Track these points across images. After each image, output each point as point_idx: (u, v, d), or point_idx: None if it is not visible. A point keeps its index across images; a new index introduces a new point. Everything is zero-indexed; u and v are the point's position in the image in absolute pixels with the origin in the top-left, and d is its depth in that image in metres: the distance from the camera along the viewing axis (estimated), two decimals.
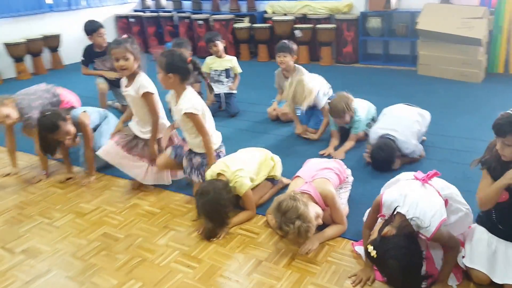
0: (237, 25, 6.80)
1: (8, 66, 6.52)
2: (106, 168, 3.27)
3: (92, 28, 4.29)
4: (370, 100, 3.65)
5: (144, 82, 2.81)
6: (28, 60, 6.66)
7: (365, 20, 5.97)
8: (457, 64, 5.05)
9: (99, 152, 2.97)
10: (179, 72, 2.60)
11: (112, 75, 4.30)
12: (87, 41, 4.44)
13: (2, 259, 2.36)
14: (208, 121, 2.75)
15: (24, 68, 6.54)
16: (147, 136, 2.94)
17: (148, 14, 7.79)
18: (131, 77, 2.84)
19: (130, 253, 2.34)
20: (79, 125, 3.10)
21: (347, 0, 6.25)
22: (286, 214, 2.08)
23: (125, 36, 2.86)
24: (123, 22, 7.92)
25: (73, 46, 6.56)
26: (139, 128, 2.95)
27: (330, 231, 2.32)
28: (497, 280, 1.85)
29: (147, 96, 2.81)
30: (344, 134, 3.49)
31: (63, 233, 2.57)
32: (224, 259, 2.24)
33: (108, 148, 2.95)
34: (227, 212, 2.40)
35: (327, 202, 2.30)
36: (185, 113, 2.61)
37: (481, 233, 1.94)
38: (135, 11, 8.16)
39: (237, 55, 6.70)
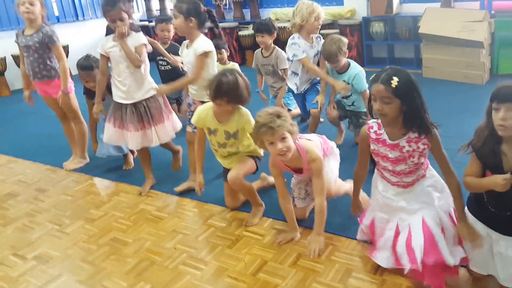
0: (241, 33, 6.88)
1: (16, 77, 6.57)
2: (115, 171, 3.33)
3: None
4: None
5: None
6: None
7: (368, 25, 6.02)
8: (461, 66, 5.07)
9: (105, 139, 3.07)
10: (199, 17, 2.69)
11: None
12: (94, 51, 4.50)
13: (14, 265, 2.43)
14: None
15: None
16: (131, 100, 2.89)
17: (153, 23, 7.88)
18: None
19: (139, 257, 2.39)
20: None
21: (349, 5, 6.31)
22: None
23: None
24: None
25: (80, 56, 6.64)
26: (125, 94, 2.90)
27: (318, 217, 2.27)
28: (506, 283, 1.81)
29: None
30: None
31: (73, 239, 2.63)
32: (231, 260, 2.28)
33: (131, 139, 2.95)
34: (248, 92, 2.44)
35: (312, 166, 2.26)
36: (204, 52, 2.66)
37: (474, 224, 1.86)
38: (141, 20, 8.28)
39: (243, 62, 6.81)
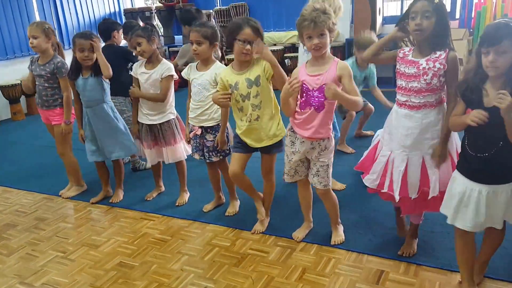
0: (229, 56, 7.01)
1: (2, 108, 6.64)
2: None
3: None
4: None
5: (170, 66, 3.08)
6: (22, 101, 6.80)
7: (351, 46, 6.22)
8: None
9: (150, 163, 3.36)
10: (221, 42, 2.79)
11: None
12: None
13: None
14: None
15: (20, 109, 6.67)
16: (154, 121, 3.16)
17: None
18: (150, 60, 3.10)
19: (147, 279, 2.44)
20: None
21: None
22: None
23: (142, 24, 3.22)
24: None
25: None
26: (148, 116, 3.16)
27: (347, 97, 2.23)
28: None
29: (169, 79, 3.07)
30: None
31: (79, 265, 2.66)
32: (238, 277, 2.35)
33: (147, 155, 3.28)
34: None
35: (342, 72, 2.26)
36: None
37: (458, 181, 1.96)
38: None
39: None
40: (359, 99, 2.23)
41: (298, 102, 2.35)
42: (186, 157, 3.27)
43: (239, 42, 2.41)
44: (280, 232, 2.74)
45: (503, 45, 1.69)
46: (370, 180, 2.29)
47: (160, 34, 3.18)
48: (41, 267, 2.69)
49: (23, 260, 2.79)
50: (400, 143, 2.18)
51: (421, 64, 2.09)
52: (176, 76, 3.12)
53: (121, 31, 4.00)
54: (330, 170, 2.45)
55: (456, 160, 2.10)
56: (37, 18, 7.21)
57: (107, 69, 3.12)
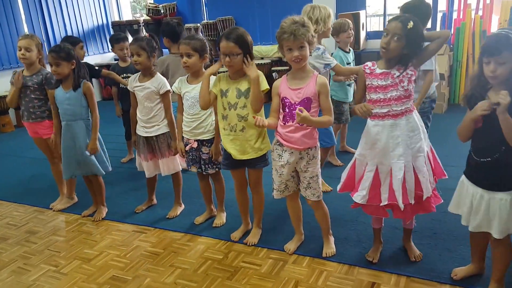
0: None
1: None
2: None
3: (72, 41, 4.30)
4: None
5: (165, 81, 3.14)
6: (11, 112, 6.77)
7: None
8: None
9: (148, 175, 3.33)
10: (210, 53, 2.84)
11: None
12: None
13: None
14: None
15: (9, 121, 6.64)
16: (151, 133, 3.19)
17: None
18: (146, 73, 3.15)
19: None
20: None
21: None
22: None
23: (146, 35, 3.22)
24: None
25: None
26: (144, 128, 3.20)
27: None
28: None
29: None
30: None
31: (72, 279, 2.67)
32: None
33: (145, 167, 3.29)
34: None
35: (320, 88, 2.33)
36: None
37: (464, 185, 2.11)
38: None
39: None
40: (330, 118, 2.34)
41: (281, 116, 2.42)
42: (181, 169, 3.32)
43: (222, 55, 2.50)
44: (272, 244, 2.79)
45: (502, 56, 1.79)
46: (360, 196, 2.34)
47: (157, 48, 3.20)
48: (33, 281, 2.69)
49: (15, 274, 2.79)
50: (393, 154, 2.25)
51: (395, 74, 2.20)
52: (171, 90, 3.16)
53: (78, 45, 4.12)
54: (320, 180, 2.52)
55: (431, 156, 2.32)
56: (26, 30, 7.23)
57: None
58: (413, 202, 2.26)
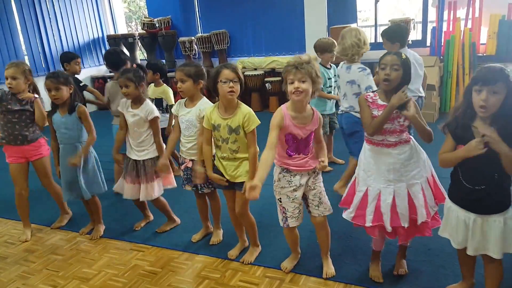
0: None
1: None
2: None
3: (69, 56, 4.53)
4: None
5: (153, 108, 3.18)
6: None
7: None
8: None
9: (125, 196, 3.31)
10: (205, 79, 2.89)
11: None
12: None
13: None
14: None
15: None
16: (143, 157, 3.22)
17: None
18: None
19: None
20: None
21: (311, 54, 6.75)
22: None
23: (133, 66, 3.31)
24: (99, 82, 8.24)
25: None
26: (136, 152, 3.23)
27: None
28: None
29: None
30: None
31: None
32: None
33: (126, 189, 3.29)
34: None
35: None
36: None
37: (453, 211, 2.15)
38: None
39: None
40: (324, 144, 2.55)
41: (283, 149, 2.47)
42: (157, 196, 3.29)
43: (221, 82, 2.55)
44: (269, 263, 2.83)
45: (497, 86, 1.85)
46: (347, 213, 2.48)
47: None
48: None
49: None
50: (384, 178, 2.34)
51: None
52: (159, 116, 3.23)
53: (73, 61, 4.41)
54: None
55: (432, 180, 2.39)
56: (22, 45, 7.28)
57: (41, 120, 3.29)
58: (406, 225, 2.32)
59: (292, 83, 2.32)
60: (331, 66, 4.25)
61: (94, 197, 3.45)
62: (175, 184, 3.34)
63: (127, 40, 8.32)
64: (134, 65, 3.40)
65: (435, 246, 2.82)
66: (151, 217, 3.62)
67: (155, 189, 3.26)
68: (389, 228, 2.32)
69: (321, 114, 3.95)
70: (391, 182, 2.32)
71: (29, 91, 3.35)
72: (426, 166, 2.40)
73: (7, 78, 3.25)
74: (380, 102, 2.34)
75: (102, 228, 3.54)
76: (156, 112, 3.19)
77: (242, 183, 2.69)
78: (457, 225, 2.13)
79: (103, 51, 8.73)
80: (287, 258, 2.80)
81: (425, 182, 2.37)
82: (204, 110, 2.80)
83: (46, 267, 3.10)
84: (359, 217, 2.41)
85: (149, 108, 3.17)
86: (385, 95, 2.34)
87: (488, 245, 2.05)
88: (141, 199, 3.27)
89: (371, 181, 2.38)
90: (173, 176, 3.34)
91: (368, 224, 2.36)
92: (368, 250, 2.73)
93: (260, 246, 2.98)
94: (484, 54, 5.96)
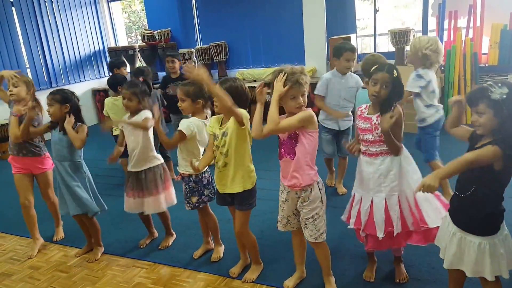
0: None
1: None
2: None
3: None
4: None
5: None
6: None
7: None
8: (412, 118, 5.54)
9: (126, 209, 3.35)
10: (205, 97, 2.95)
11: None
12: None
13: None
14: None
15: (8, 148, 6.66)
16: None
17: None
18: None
19: None
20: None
21: (310, 65, 6.84)
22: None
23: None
24: (100, 95, 8.29)
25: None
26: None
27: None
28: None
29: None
30: None
31: None
32: None
33: (126, 202, 3.33)
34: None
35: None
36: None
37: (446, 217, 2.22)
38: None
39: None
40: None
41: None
42: (165, 209, 3.36)
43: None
44: (271, 280, 2.84)
45: (479, 107, 1.93)
46: (343, 215, 2.74)
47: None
48: None
49: None
50: (365, 186, 2.52)
51: (373, 120, 2.43)
52: (151, 122, 3.19)
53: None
54: (320, 223, 2.50)
55: (413, 202, 2.48)
56: (24, 57, 7.37)
57: (76, 141, 3.14)
58: (381, 236, 2.43)
59: (295, 98, 2.39)
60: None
61: (92, 219, 3.41)
62: (175, 201, 3.38)
63: (127, 52, 8.40)
64: (142, 79, 3.47)
65: (438, 264, 2.80)
66: (156, 234, 3.64)
67: (162, 202, 3.29)
68: (362, 233, 2.52)
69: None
70: (370, 190, 2.48)
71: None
72: (410, 183, 2.45)
73: (9, 86, 3.37)
74: (365, 115, 2.52)
75: (100, 250, 3.51)
76: (148, 114, 3.19)
77: (242, 201, 2.72)
78: (444, 234, 2.20)
79: (104, 64, 8.82)
80: (291, 277, 2.78)
81: (406, 198, 2.47)
82: (191, 124, 2.91)
83: (51, 285, 3.14)
84: (348, 219, 2.68)
85: (142, 114, 3.20)
86: (373, 108, 2.49)
87: (462, 263, 2.09)
88: (147, 213, 3.32)
89: (356, 187, 2.59)
90: (174, 193, 3.39)
91: (351, 226, 2.61)
92: (381, 272, 2.79)
93: (262, 263, 2.97)
94: (486, 65, 5.92)
